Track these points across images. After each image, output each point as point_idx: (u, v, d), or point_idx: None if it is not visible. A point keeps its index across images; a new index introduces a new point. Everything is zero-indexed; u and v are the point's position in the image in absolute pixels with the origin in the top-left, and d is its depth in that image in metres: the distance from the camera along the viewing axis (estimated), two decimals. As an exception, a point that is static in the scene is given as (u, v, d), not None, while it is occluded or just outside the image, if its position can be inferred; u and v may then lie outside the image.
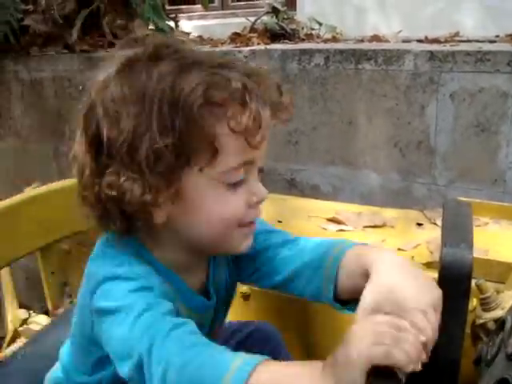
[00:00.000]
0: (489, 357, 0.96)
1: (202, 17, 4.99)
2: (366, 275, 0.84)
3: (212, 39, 3.58)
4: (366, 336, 0.65)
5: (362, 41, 2.98)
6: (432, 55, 2.28)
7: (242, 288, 1.50)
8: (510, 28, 2.91)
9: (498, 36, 2.82)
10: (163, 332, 0.76)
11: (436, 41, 2.69)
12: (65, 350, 1.08)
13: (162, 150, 0.78)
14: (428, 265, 1.28)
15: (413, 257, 1.33)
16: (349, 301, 0.94)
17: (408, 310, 0.73)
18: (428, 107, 2.31)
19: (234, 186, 0.84)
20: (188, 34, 3.86)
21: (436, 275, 1.05)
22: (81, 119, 0.86)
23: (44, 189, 1.57)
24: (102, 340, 0.84)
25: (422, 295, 0.76)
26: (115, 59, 0.86)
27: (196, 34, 3.92)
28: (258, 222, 0.96)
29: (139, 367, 0.76)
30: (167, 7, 4.07)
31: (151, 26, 3.36)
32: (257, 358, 0.71)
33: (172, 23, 3.73)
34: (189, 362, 0.72)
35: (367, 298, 0.78)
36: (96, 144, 0.83)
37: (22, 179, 3.00)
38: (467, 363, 1.05)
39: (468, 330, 1.09)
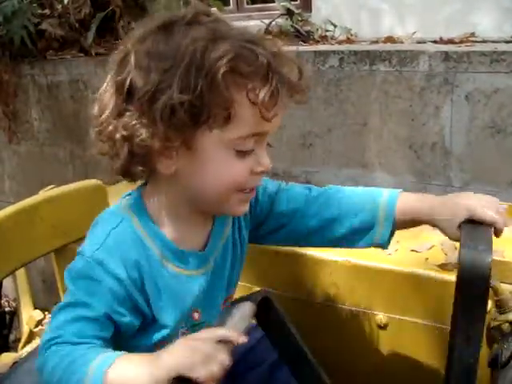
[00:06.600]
0: (503, 359, 0.96)
1: (216, 20, 5.01)
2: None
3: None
4: (181, 349, 0.78)
5: (376, 42, 2.97)
6: (447, 56, 2.26)
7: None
8: (526, 28, 2.88)
9: (514, 36, 2.80)
10: (60, 338, 0.88)
11: (451, 41, 2.67)
12: None
13: (177, 107, 0.85)
14: (442, 266, 1.27)
15: (427, 258, 1.32)
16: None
17: None
18: (443, 108, 2.30)
19: (243, 153, 0.91)
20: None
21: (451, 277, 1.05)
22: (114, 64, 0.94)
23: (59, 191, 1.57)
24: None
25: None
26: (155, 19, 0.94)
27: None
28: (270, 184, 1.11)
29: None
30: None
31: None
32: (112, 356, 0.83)
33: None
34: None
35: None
36: (121, 89, 0.91)
37: (38, 182, 3.03)
38: (482, 365, 1.04)
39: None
